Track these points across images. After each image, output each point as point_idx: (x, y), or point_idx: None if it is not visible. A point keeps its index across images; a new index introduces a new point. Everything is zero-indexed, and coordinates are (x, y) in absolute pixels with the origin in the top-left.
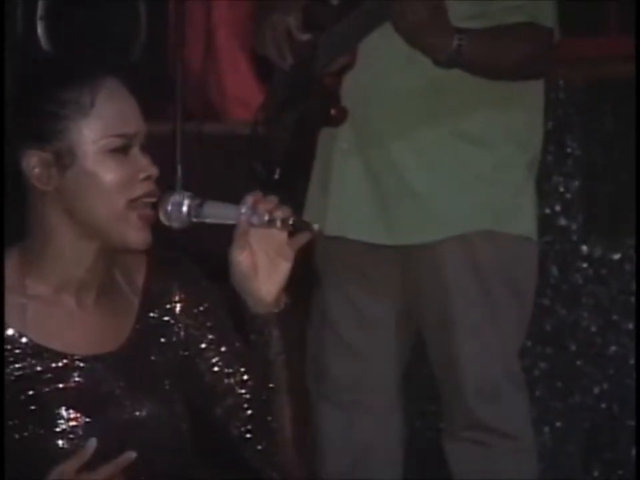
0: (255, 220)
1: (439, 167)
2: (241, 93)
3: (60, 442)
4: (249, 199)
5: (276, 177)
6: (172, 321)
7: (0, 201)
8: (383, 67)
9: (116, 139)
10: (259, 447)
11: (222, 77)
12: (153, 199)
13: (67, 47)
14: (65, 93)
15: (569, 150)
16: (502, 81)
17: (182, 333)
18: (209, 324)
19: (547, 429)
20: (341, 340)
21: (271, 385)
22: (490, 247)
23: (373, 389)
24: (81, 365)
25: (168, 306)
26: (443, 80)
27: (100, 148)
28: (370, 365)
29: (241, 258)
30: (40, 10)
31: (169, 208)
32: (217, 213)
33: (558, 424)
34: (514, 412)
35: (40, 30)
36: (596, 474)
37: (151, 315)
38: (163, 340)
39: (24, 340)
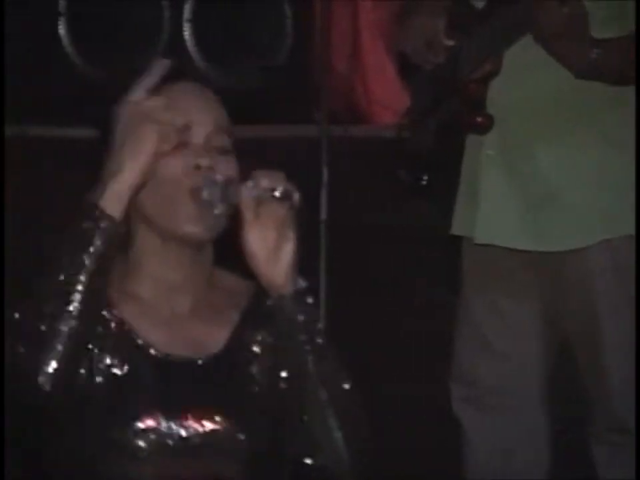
0: (254, 193)
1: (583, 171)
2: (387, 97)
3: (139, 442)
4: (256, 174)
5: (423, 182)
6: (255, 352)
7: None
8: (526, 72)
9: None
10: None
11: (367, 80)
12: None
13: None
14: None
15: None
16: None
17: (261, 366)
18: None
19: None
20: (486, 342)
21: (293, 371)
22: (631, 251)
23: (517, 391)
24: (170, 366)
25: (252, 338)
26: (585, 83)
27: None
28: (515, 368)
29: (250, 237)
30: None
31: (207, 194)
32: (237, 193)
33: None
34: None
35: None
36: None
37: (246, 334)
38: (248, 362)
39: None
